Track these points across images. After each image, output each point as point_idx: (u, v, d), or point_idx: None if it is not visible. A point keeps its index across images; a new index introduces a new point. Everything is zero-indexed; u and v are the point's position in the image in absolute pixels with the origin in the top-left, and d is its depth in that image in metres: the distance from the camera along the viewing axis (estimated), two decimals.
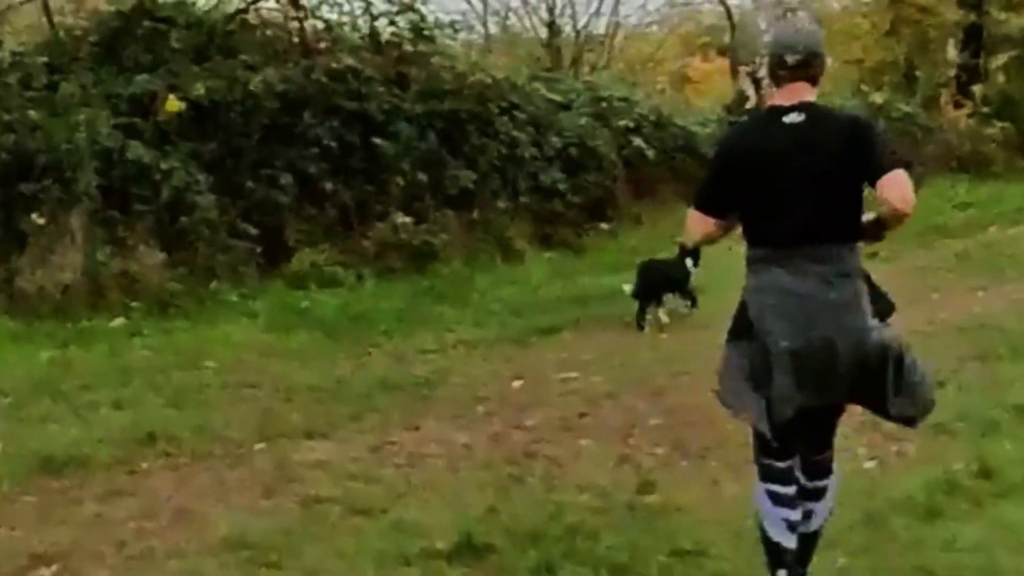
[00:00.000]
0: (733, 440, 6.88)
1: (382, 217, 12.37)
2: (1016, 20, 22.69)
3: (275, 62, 12.40)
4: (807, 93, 4.44)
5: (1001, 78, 24.35)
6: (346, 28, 13.78)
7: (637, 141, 15.43)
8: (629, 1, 39.55)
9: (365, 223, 12.35)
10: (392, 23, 13.93)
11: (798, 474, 4.68)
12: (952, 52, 25.38)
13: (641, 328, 10.39)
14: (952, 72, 25.24)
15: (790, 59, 4.42)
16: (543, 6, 26.11)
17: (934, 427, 6.60)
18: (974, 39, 24.68)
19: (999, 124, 23.07)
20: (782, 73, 4.47)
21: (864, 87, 22.05)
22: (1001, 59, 24.65)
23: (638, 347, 9.62)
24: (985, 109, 23.23)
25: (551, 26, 26.29)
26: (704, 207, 4.57)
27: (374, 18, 13.95)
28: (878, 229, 4.46)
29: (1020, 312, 10.44)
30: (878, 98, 21.44)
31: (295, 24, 13.27)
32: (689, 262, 10.57)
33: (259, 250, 11.34)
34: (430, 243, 12.31)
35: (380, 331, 10.29)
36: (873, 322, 4.41)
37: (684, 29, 33.39)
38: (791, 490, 4.62)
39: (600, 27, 27.19)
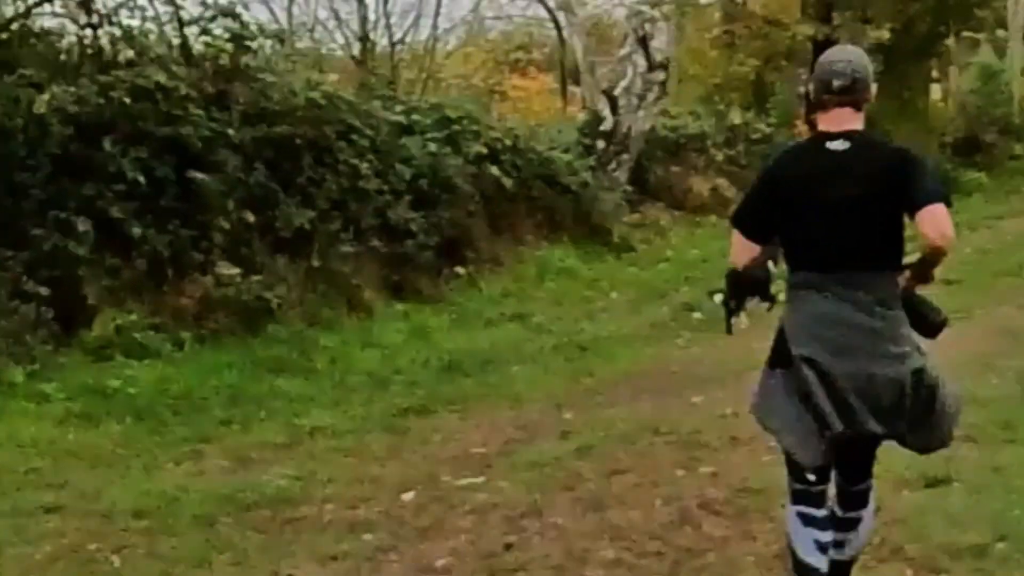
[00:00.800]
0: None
1: (203, 268, 10.53)
2: (874, 33, 22.10)
3: (65, 78, 10.43)
4: (852, 119, 4.59)
5: None
6: (151, 37, 11.85)
7: (493, 169, 13.93)
8: (446, 15, 37.97)
9: (182, 276, 10.48)
10: (205, 31, 12.09)
11: (833, 504, 4.80)
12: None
13: (730, 332, 11.41)
14: (802, 89, 24.63)
15: (836, 84, 4.56)
16: (354, 18, 24.45)
17: (971, 550, 5.52)
18: None
19: None
20: (826, 97, 4.60)
21: (721, 106, 21.09)
22: None
23: (542, 432, 8.13)
24: None
25: (364, 40, 24.64)
26: (747, 231, 4.73)
27: (183, 24, 12.06)
28: (924, 269, 4.63)
29: (974, 372, 9.33)
30: (736, 117, 20.50)
31: (88, 32, 11.31)
32: (770, 263, 9.86)
33: (50, 314, 9.38)
34: (263, 298, 10.52)
35: (213, 418, 8.49)
36: (912, 351, 4.52)
37: (505, 48, 32.29)
38: (822, 512, 4.73)
39: (415, 42, 25.57)
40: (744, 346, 10.72)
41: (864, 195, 4.51)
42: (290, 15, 24.26)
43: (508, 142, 14.57)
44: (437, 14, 24.97)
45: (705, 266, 14.91)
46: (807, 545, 4.69)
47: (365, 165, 12.32)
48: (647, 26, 17.07)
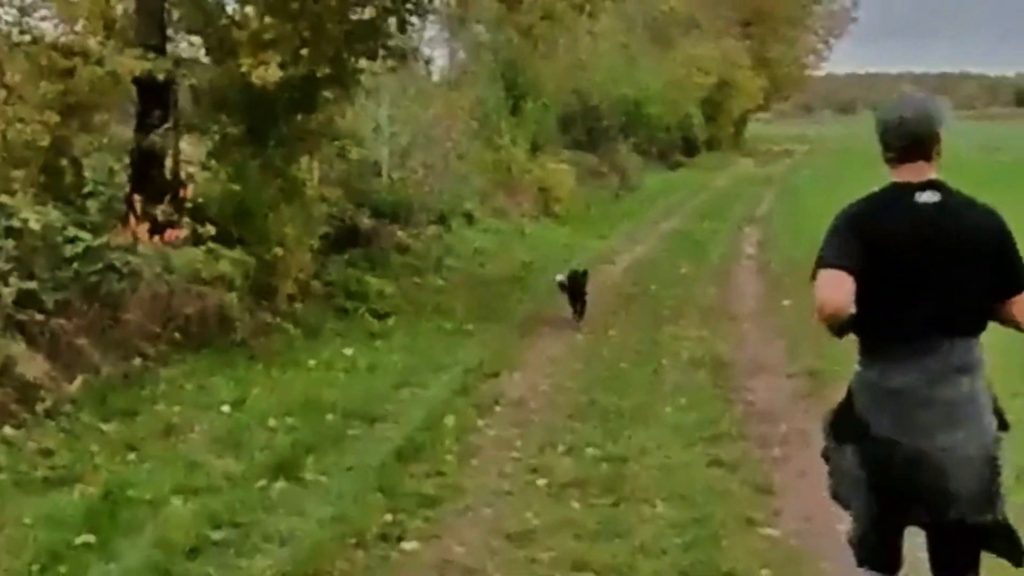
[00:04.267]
0: None
1: None
2: (270, 74, 14.20)
3: None
4: (929, 170, 4.70)
5: (220, 172, 15.88)
6: None
7: None
8: None
9: None
10: None
11: None
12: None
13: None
14: (124, 164, 16.22)
15: (904, 142, 4.69)
16: None
17: None
18: (159, 104, 15.89)
19: (230, 254, 14.49)
20: (890, 155, 4.75)
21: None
22: (211, 138, 16.23)
23: None
24: (211, 229, 14.49)
25: None
26: (839, 264, 4.55)
27: None
28: None
29: None
30: (33, 218, 11.75)
31: None
32: None
33: None
34: None
35: None
36: (992, 425, 4.63)
37: None
38: None
39: None
40: None
41: (960, 256, 4.57)
42: None
43: None
44: None
45: None
46: None
47: None
48: None
